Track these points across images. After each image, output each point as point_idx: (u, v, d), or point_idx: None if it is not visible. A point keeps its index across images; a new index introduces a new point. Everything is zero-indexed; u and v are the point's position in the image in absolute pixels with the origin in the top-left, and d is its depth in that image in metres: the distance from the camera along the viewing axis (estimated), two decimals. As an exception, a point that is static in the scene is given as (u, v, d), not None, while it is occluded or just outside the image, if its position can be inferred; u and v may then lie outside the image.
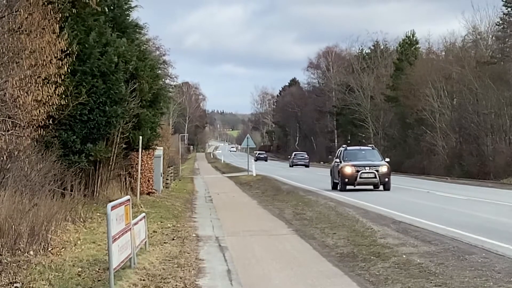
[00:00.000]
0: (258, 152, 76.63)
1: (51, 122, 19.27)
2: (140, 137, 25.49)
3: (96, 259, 12.64)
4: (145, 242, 14.08)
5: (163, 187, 36.06)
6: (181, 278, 11.56)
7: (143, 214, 14.28)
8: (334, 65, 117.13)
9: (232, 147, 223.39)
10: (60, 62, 17.94)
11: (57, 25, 17.90)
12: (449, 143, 61.57)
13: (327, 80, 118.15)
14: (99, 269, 11.68)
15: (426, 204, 25.93)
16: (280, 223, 21.14)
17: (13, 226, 12.59)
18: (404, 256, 13.49)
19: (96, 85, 22.57)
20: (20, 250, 12.46)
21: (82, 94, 21.88)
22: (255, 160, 61.99)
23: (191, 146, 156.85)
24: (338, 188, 33.90)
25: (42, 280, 10.62)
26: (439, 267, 12.12)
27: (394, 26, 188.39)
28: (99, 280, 10.86)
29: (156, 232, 17.67)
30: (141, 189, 28.14)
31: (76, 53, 19.93)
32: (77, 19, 22.40)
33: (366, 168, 33.14)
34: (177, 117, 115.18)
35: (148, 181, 30.73)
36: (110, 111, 22.87)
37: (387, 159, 35.40)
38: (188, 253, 14.51)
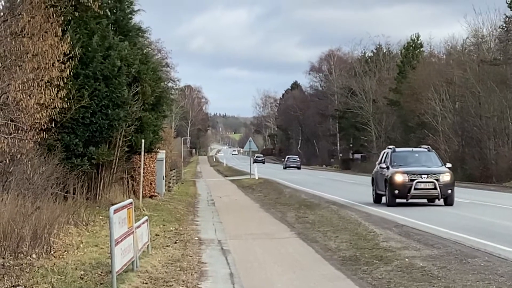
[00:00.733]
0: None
1: (53, 125, 19.29)
2: (143, 140, 25.48)
3: (98, 262, 12.64)
4: (148, 245, 14.08)
5: (166, 190, 36.04)
6: (183, 281, 11.56)
7: (146, 217, 14.27)
8: (337, 68, 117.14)
9: (233, 151, 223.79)
10: (63, 65, 17.94)
11: (60, 28, 17.90)
12: (451, 146, 61.49)
13: (330, 83, 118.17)
14: (101, 272, 11.67)
15: (428, 208, 25.90)
16: (283, 226, 21.13)
17: (16, 229, 12.59)
18: (406, 259, 13.48)
19: (99, 89, 22.58)
20: (23, 253, 12.46)
21: (85, 97, 21.89)
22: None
23: (194, 150, 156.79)
24: (386, 201, 26.75)
25: (45, 283, 10.63)
26: (442, 271, 12.11)
27: (397, 30, 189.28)
28: (101, 283, 10.86)
29: (158, 235, 17.67)
30: (144, 192, 28.13)
31: (79, 56, 19.95)
32: (80, 22, 22.43)
33: (423, 176, 25.98)
34: (180, 121, 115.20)
35: (151, 184, 30.73)
36: (112, 114, 22.88)
37: (449, 165, 27.85)
38: (191, 256, 14.50)
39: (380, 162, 28.24)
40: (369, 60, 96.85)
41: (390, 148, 28.69)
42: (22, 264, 11.78)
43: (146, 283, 11.18)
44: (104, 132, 22.97)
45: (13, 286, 10.44)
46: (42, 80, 17.08)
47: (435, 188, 25.80)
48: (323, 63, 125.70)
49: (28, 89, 16.39)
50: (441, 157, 62.38)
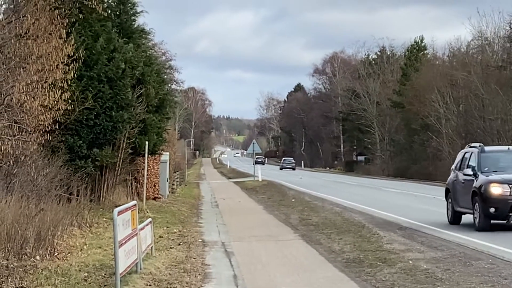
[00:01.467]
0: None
1: (57, 127, 19.30)
2: (146, 142, 25.50)
3: (102, 264, 12.64)
4: (151, 247, 14.08)
5: (169, 192, 36.06)
6: (187, 283, 11.56)
7: (149, 219, 14.29)
8: (340, 70, 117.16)
9: (236, 153, 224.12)
10: (67, 67, 17.98)
11: (64, 31, 17.93)
12: (455, 148, 61.32)
13: (333, 85, 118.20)
14: (105, 274, 11.68)
15: (432, 210, 25.86)
16: (286, 228, 21.11)
17: (20, 231, 12.60)
18: (410, 262, 13.47)
19: (103, 91, 22.59)
20: (27, 255, 12.47)
21: (89, 99, 21.90)
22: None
23: (197, 152, 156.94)
24: (475, 223, 18.93)
25: (48, 285, 10.64)
26: (446, 273, 12.10)
27: (402, 32, 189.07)
28: (105, 285, 10.87)
29: (162, 237, 17.68)
30: (147, 194, 28.14)
31: (83, 58, 19.97)
32: (84, 25, 22.46)
33: None
34: (183, 123, 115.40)
35: (154, 186, 30.74)
36: (116, 116, 22.90)
37: None
38: (194, 258, 14.50)
39: (460, 167, 21.08)
40: (373, 62, 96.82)
41: (476, 147, 20.72)
42: (25, 266, 11.78)
43: (150, 285, 11.19)
44: (108, 134, 22.98)
45: (17, 287, 10.45)
46: (46, 82, 17.12)
47: None
48: (327, 65, 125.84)
49: (32, 91, 16.43)
50: (444, 159, 62.49)
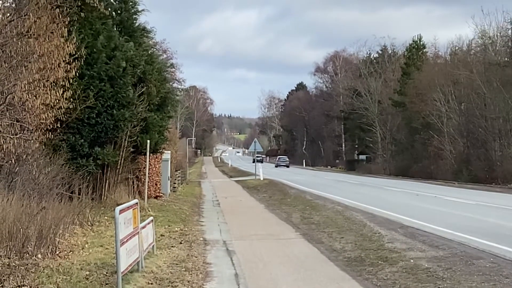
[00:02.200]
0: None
1: (59, 125, 19.31)
2: (148, 141, 25.51)
3: (103, 262, 12.65)
4: (153, 245, 14.09)
5: (171, 190, 36.08)
6: (188, 282, 11.57)
7: (151, 217, 14.29)
8: (342, 69, 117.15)
9: (237, 152, 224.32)
10: (68, 65, 17.98)
11: (66, 29, 17.92)
12: (456, 147, 61.39)
13: (335, 84, 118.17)
14: (106, 273, 11.69)
15: (433, 209, 25.87)
16: (288, 227, 21.12)
17: (21, 230, 12.61)
18: (411, 260, 13.48)
19: (104, 89, 22.61)
20: (28, 253, 12.48)
21: (90, 97, 21.92)
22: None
23: (199, 150, 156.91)
24: None
25: (50, 284, 10.64)
26: (447, 272, 12.10)
27: (406, 31, 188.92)
28: (106, 284, 10.87)
29: (163, 235, 17.69)
30: (149, 192, 28.16)
31: (84, 57, 19.99)
32: (85, 23, 22.46)
33: None
34: (185, 121, 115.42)
35: (156, 184, 30.76)
36: (117, 115, 22.91)
37: None
38: (196, 257, 14.52)
39: None
40: (375, 61, 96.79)
41: None
42: (27, 264, 11.79)
43: (151, 284, 11.19)
44: (109, 132, 22.99)
45: (19, 286, 10.45)
46: (48, 80, 17.11)
47: None
48: (329, 64, 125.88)
49: (34, 89, 16.42)
50: (445, 158, 62.49)
